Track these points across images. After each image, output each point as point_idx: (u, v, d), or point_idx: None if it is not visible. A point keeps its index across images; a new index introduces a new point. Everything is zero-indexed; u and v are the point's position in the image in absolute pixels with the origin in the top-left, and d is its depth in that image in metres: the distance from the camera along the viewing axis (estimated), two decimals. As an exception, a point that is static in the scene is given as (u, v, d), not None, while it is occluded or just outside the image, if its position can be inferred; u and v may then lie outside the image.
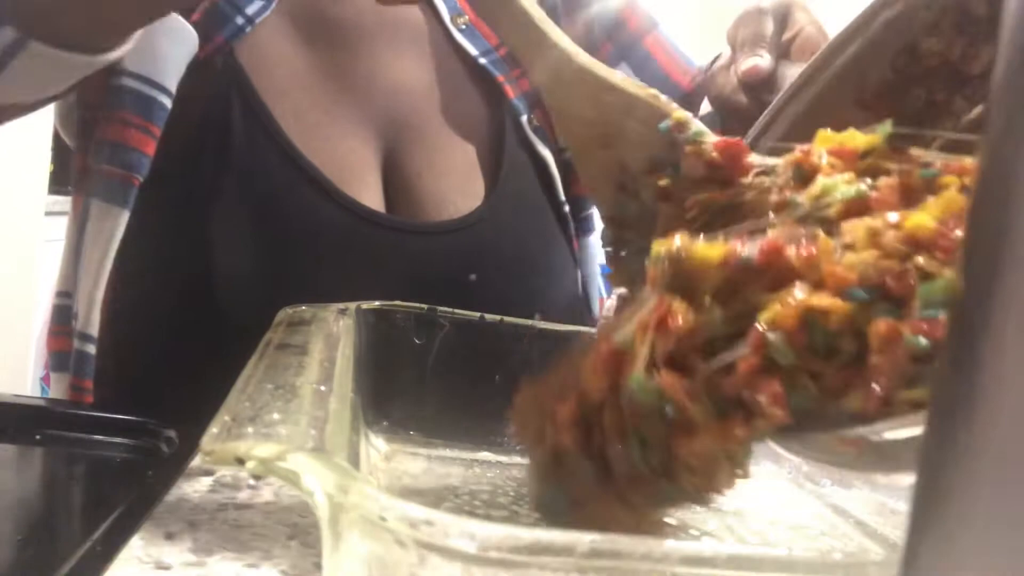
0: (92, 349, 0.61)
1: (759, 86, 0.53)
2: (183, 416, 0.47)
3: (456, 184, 0.67)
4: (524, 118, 0.71)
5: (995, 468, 0.12)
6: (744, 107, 0.57)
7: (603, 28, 0.78)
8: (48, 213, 2.36)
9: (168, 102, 0.60)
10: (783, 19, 0.56)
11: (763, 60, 0.53)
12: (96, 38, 0.50)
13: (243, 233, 0.61)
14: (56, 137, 2.47)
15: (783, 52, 0.55)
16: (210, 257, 0.61)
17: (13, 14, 0.48)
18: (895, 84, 0.37)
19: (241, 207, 0.61)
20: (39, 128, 2.33)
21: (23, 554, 0.37)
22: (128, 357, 0.62)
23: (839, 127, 0.33)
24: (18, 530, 0.41)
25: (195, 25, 0.61)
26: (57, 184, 2.52)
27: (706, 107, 0.75)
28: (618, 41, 0.79)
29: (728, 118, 0.66)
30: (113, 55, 0.52)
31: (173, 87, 0.60)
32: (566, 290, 0.73)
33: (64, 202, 2.63)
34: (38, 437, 0.51)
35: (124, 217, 0.60)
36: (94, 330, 0.60)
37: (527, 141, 0.71)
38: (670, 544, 0.20)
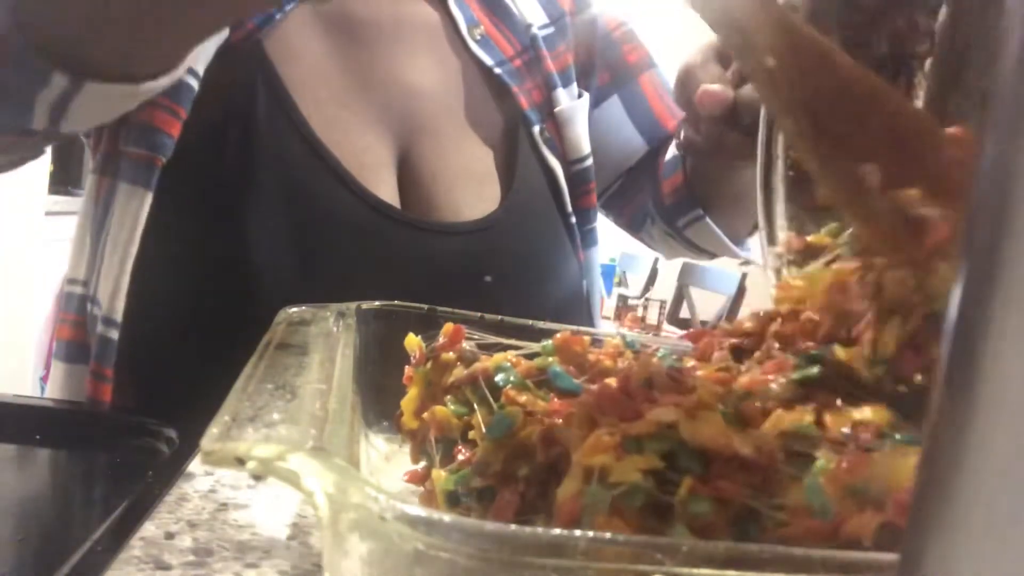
0: (116, 335, 0.60)
1: (719, 111, 0.53)
2: (184, 415, 0.47)
3: (471, 188, 0.68)
4: (536, 128, 0.72)
5: (995, 469, 0.12)
6: (712, 141, 0.57)
7: (604, 58, 0.80)
8: (48, 213, 2.36)
9: (195, 84, 0.60)
10: (722, 58, 0.56)
11: (714, 86, 0.53)
12: (139, 65, 0.49)
13: (264, 219, 0.61)
14: (56, 137, 2.47)
15: (739, 80, 0.55)
16: (231, 241, 0.61)
17: (59, 60, 0.46)
18: (853, 40, 0.37)
19: (263, 193, 0.61)
20: (39, 128, 2.33)
21: (23, 554, 0.37)
22: (147, 345, 0.62)
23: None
24: (18, 530, 0.41)
25: None
26: (57, 184, 2.52)
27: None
28: (615, 73, 0.81)
29: (696, 159, 0.67)
30: (163, 81, 0.50)
31: (201, 69, 0.60)
32: (573, 295, 0.74)
33: (64, 202, 2.63)
34: (38, 437, 0.51)
35: (148, 199, 0.60)
36: (119, 315, 0.60)
37: (539, 151, 0.72)
38: (670, 543, 0.20)
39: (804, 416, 0.28)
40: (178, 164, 0.60)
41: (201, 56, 0.60)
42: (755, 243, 0.80)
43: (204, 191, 0.61)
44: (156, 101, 0.59)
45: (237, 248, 0.61)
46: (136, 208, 0.60)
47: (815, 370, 0.30)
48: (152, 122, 0.60)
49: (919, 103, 0.34)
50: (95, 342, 0.61)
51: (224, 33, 0.61)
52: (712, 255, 0.82)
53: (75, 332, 0.65)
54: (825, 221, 0.37)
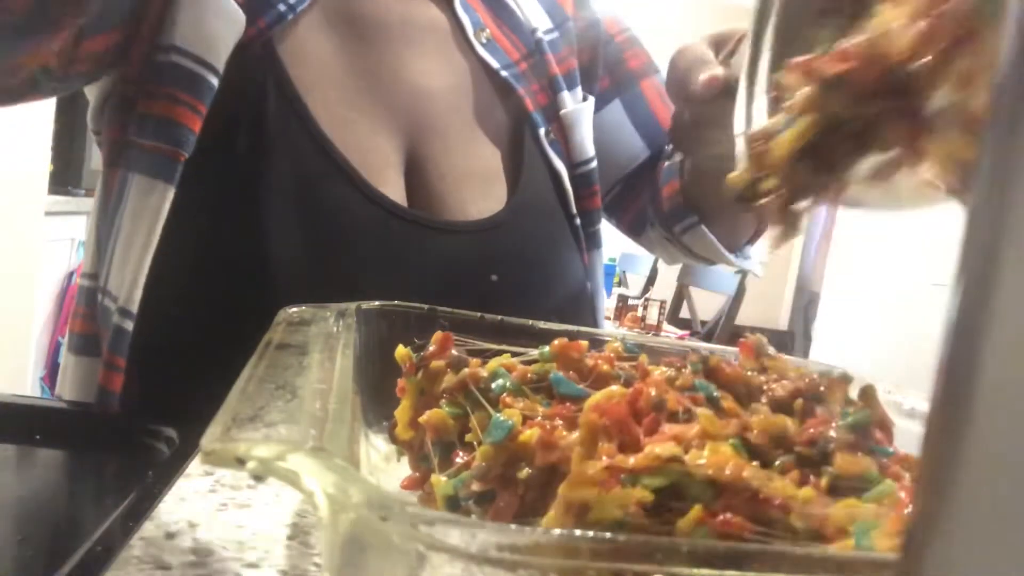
0: (130, 326, 0.60)
1: (721, 93, 0.54)
2: (186, 414, 0.47)
3: (477, 188, 0.69)
4: (542, 131, 0.73)
5: (994, 469, 0.12)
6: (707, 131, 0.58)
7: (606, 62, 0.81)
8: (48, 213, 2.36)
9: (216, 81, 0.61)
10: (717, 44, 0.57)
11: (717, 69, 0.54)
12: None
13: (274, 217, 0.61)
14: (56, 137, 2.47)
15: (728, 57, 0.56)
16: (242, 238, 0.61)
17: None
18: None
19: (274, 191, 0.61)
20: (39, 129, 2.33)
21: (23, 554, 0.37)
22: (157, 339, 0.62)
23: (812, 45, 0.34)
24: (18, 530, 0.41)
25: (240, 7, 0.62)
26: (57, 184, 2.52)
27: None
28: (617, 77, 0.81)
29: (693, 155, 0.67)
30: None
31: (221, 67, 0.61)
32: (577, 296, 0.74)
33: (64, 202, 2.63)
34: (38, 437, 0.51)
35: (170, 193, 0.60)
36: (135, 307, 0.60)
37: (544, 153, 0.73)
38: (670, 543, 0.20)
39: (870, 466, 0.28)
40: (191, 160, 0.60)
41: (221, 52, 0.61)
42: (752, 252, 0.80)
43: (216, 188, 0.62)
44: (175, 96, 0.60)
45: (248, 245, 0.61)
46: (156, 202, 0.60)
47: (867, 415, 0.30)
48: (172, 117, 0.60)
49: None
50: (109, 333, 0.61)
51: (240, 30, 0.61)
52: (709, 262, 0.82)
53: (85, 325, 0.66)
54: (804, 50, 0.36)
